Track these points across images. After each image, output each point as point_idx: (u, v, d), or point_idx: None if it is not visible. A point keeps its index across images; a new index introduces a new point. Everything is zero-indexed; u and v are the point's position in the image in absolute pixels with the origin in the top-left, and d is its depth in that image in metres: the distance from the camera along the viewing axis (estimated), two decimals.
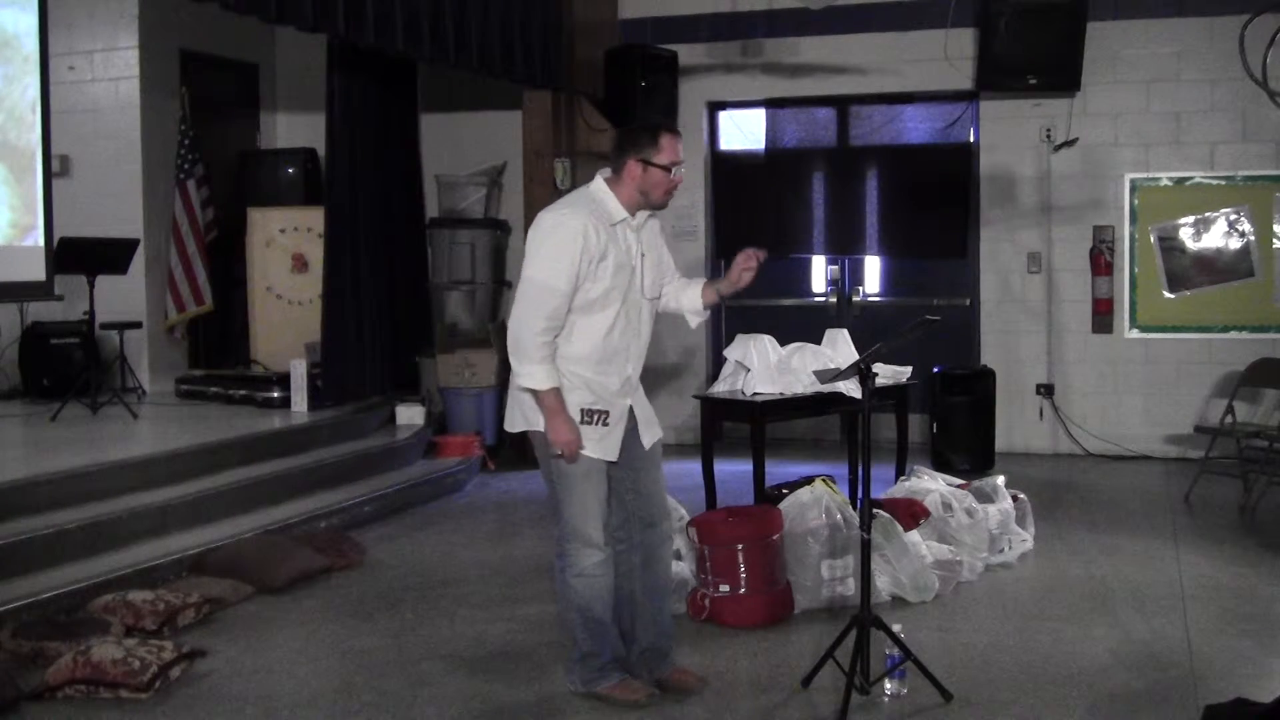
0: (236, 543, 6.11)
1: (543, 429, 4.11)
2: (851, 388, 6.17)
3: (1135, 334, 9.37)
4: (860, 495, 4.35)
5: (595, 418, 4.11)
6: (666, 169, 4.10)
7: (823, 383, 5.30)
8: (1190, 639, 4.97)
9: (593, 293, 4.04)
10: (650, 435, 4.32)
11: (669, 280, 4.42)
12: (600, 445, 4.14)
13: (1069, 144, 9.30)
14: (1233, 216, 9.16)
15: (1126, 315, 9.36)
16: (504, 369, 6.91)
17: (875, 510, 5.48)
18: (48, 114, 8.38)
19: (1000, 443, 9.13)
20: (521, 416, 4.21)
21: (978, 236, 9.67)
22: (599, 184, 4.16)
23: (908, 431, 7.22)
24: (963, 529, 5.93)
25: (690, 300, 4.40)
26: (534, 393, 4.07)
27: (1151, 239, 9.31)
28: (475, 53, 8.04)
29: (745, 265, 4.24)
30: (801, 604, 5.36)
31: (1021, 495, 6.52)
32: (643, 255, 4.19)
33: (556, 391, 4.04)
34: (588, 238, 3.98)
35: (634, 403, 4.25)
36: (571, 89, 9.29)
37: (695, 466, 6.85)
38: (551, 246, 4.01)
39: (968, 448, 8.89)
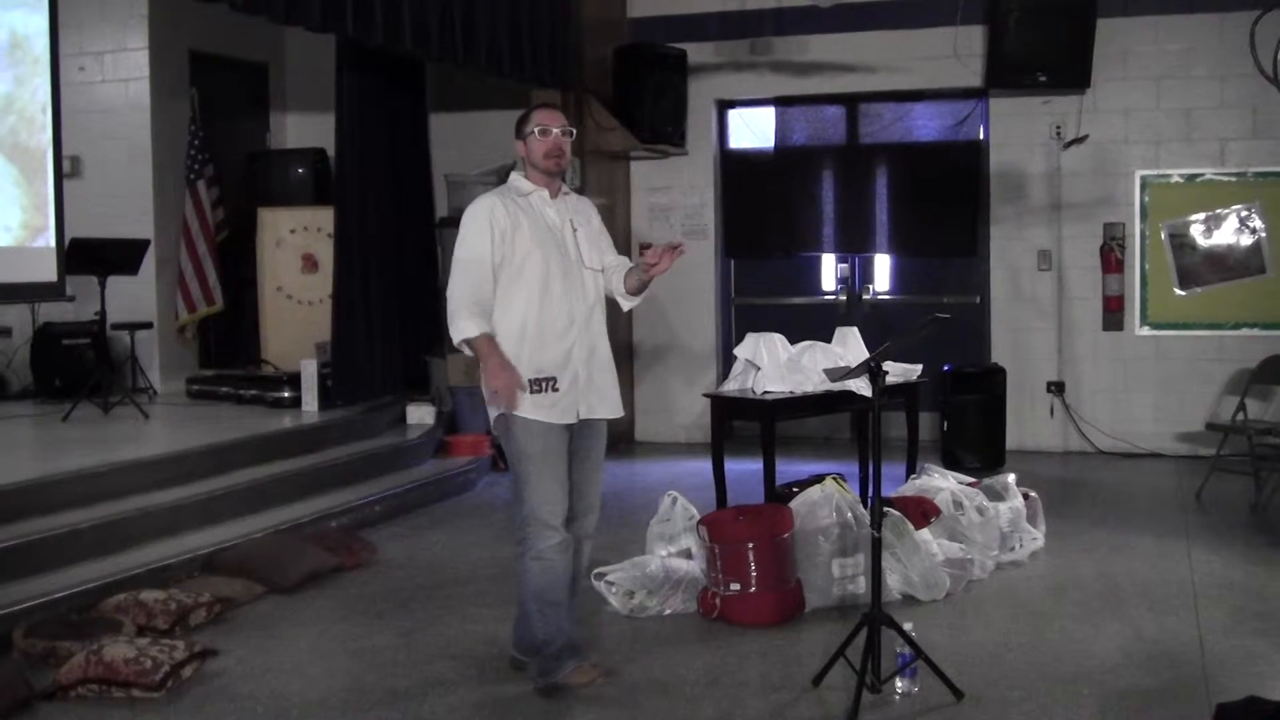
0: (248, 542, 6.13)
1: (502, 410, 4.27)
2: (862, 386, 6.17)
3: (1146, 331, 9.34)
4: (871, 493, 4.36)
5: (545, 385, 4.30)
6: (535, 133, 4.39)
7: (833, 381, 5.32)
8: (1202, 637, 4.96)
9: (516, 257, 4.31)
10: (604, 406, 4.42)
11: (611, 259, 4.57)
12: (554, 410, 4.31)
13: (1079, 141, 9.28)
14: (1244, 213, 9.13)
15: (1137, 312, 9.33)
16: None
17: (886, 508, 5.47)
18: (58, 115, 8.39)
19: (1011, 440, 9.11)
20: (491, 409, 4.38)
21: (988, 234, 9.65)
22: (513, 175, 4.53)
23: (918, 429, 7.21)
24: (973, 527, 5.92)
25: (617, 284, 4.55)
26: (470, 346, 4.25)
27: (1162, 236, 9.28)
28: (484, 52, 8.05)
29: (652, 260, 4.34)
30: (812, 602, 5.35)
31: (1032, 493, 6.51)
32: (575, 230, 4.44)
33: (489, 337, 4.23)
34: (495, 210, 4.33)
35: (591, 372, 4.38)
36: (580, 88, 9.28)
37: (705, 465, 6.86)
38: (468, 228, 4.36)
39: (978, 446, 8.87)
